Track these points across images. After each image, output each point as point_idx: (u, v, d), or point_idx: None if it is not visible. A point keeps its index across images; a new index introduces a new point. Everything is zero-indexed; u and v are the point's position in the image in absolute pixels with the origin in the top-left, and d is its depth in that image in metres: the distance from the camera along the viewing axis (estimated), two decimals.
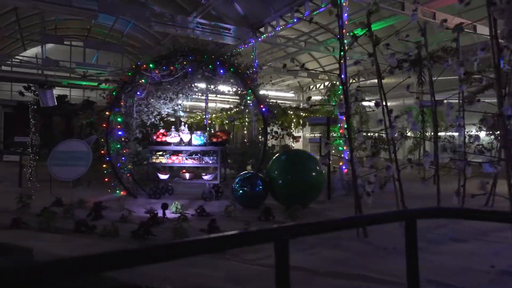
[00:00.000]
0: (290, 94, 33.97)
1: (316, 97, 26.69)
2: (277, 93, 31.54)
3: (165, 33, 23.09)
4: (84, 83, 24.95)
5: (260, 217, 6.45)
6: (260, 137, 12.03)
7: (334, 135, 18.07)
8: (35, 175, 10.90)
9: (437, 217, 1.71)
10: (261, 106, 8.43)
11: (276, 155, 8.54)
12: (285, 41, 19.43)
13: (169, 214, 6.74)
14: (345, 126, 5.85)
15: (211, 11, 17.37)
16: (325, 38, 20.83)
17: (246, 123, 23.90)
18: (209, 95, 22.03)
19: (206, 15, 17.15)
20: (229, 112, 26.29)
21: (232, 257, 4.39)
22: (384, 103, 5.34)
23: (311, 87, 31.25)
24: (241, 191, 7.59)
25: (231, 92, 14.86)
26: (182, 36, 17.15)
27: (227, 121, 25.43)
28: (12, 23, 20.80)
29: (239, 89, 9.61)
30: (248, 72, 8.47)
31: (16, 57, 24.50)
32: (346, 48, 5.43)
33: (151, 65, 8.41)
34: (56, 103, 12.67)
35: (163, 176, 8.73)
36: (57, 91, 24.30)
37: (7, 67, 26.26)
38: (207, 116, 21.91)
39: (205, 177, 8.58)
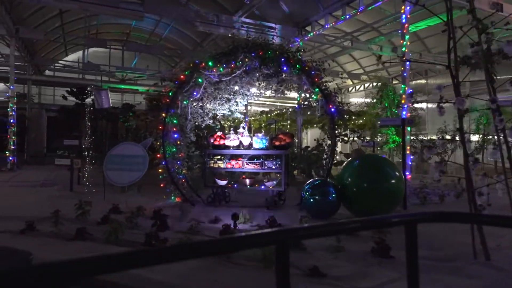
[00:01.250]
0: None
1: (359, 99, 25.64)
2: None
3: (204, 36, 22.84)
4: (123, 86, 25.08)
5: None
6: (325, 140, 11.22)
7: (386, 138, 17.11)
8: (88, 179, 10.61)
9: (438, 222, 1.61)
10: (330, 106, 7.68)
11: (348, 159, 7.75)
12: (333, 39, 18.57)
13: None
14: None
15: (254, 11, 16.84)
16: (369, 38, 19.88)
17: (289, 126, 23.17)
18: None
19: (249, 15, 16.64)
20: (269, 115, 25.68)
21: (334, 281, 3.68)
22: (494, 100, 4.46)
23: (350, 89, 30.15)
24: (311, 200, 6.86)
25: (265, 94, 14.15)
26: (224, 36, 16.74)
27: (264, 124, 24.78)
28: (56, 28, 21.11)
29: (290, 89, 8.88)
30: (318, 68, 7.75)
31: (59, 62, 24.95)
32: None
33: (210, 63, 7.86)
34: (110, 105, 12.41)
35: (221, 182, 8.14)
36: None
37: (50, 72, 26.86)
38: (246, 119, 21.34)
39: (268, 184, 7.91)
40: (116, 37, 27.60)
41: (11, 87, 16.93)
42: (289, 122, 24.04)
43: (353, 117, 16.00)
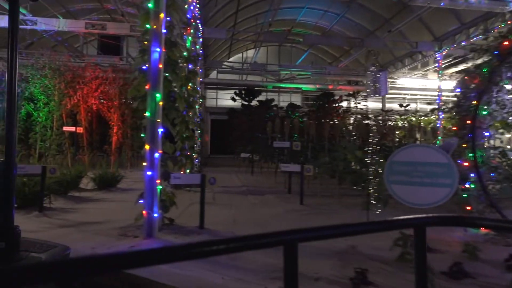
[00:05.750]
0: None
1: None
2: None
3: (379, 24, 19.90)
4: (287, 85, 23.87)
5: None
6: None
7: None
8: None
9: (447, 225, 1.63)
10: None
11: None
12: None
13: None
14: None
15: None
16: None
17: None
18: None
19: None
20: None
21: None
22: None
23: None
24: None
25: None
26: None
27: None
28: (229, 28, 20.87)
29: None
30: None
31: (225, 63, 25.11)
32: None
33: None
34: (388, 92, 10.57)
35: None
36: (262, 96, 23.86)
37: (213, 75, 27.51)
38: (441, 116, 17.55)
39: None
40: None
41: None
42: None
43: None
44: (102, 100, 15.68)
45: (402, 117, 21.59)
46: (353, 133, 11.90)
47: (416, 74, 24.34)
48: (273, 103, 22.17)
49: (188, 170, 10.03)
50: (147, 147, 4.54)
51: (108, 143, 16.02)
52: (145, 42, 4.79)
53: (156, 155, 4.56)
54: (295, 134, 14.77)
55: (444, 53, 17.97)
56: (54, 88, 14.92)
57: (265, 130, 14.61)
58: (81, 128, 15.14)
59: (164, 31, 4.72)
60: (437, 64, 18.66)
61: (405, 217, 1.69)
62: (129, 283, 2.85)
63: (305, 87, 24.41)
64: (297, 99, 27.87)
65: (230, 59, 27.26)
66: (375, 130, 11.09)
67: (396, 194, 5.76)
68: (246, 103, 22.23)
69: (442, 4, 13.28)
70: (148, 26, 4.70)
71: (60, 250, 2.67)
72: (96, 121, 16.28)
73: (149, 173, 4.52)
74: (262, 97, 23.41)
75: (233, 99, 22.26)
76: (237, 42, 22.33)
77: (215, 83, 25.99)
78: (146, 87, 4.63)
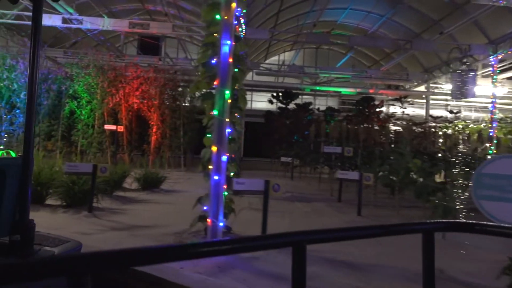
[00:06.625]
0: None
1: None
2: None
3: (428, 26, 18.92)
4: (327, 88, 23.19)
5: None
6: None
7: None
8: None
9: (456, 231, 1.62)
10: None
11: None
12: None
13: None
14: None
15: None
16: None
17: None
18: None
19: None
20: None
21: None
22: None
23: None
24: None
25: None
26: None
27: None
28: (270, 29, 20.49)
29: None
30: None
31: (262, 65, 24.74)
32: None
33: None
34: (475, 94, 9.90)
35: None
36: (297, 100, 23.29)
37: (248, 76, 27.18)
38: (494, 125, 16.38)
39: None
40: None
41: None
42: None
43: None
44: (142, 100, 15.64)
45: (451, 125, 20.41)
46: (408, 140, 11.14)
47: None
48: (310, 107, 21.56)
49: (232, 174, 9.63)
50: (214, 148, 4.14)
51: (147, 142, 15.95)
52: (215, 34, 4.40)
53: (224, 158, 4.14)
54: (332, 139, 14.14)
55: (499, 57, 16.78)
56: (97, 86, 15.00)
57: (304, 134, 14.07)
58: (122, 127, 15.13)
59: (236, 22, 4.31)
60: (491, 69, 17.47)
61: (413, 222, 1.62)
62: (150, 282, 2.90)
63: (344, 90, 23.62)
64: (333, 103, 27.11)
65: (267, 61, 26.87)
66: (432, 138, 10.30)
67: (486, 211, 5.07)
68: (283, 105, 21.73)
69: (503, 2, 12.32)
70: (217, 16, 4.31)
71: (72, 245, 2.70)
72: (135, 120, 16.26)
73: (215, 177, 4.11)
74: (297, 100, 22.85)
75: (271, 102, 21.83)
76: (276, 44, 21.89)
77: (251, 85, 25.64)
78: (215, 82, 4.23)
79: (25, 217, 2.44)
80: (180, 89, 16.75)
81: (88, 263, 0.93)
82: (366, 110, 21.34)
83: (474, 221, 1.60)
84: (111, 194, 7.91)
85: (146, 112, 15.82)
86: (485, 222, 1.69)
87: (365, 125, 17.83)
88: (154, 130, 15.67)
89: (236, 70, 4.58)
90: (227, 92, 4.20)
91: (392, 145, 12.27)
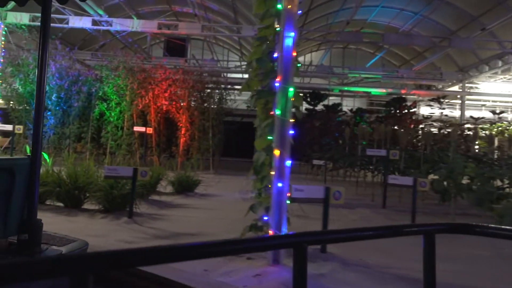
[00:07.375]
0: None
1: None
2: None
3: (463, 23, 18.02)
4: (357, 89, 22.51)
5: None
6: None
7: None
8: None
9: (457, 233, 1.60)
10: None
11: None
12: None
13: None
14: None
15: None
16: None
17: None
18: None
19: None
20: None
21: None
22: None
23: None
24: None
25: None
26: None
27: None
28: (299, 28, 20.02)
29: None
30: None
31: None
32: None
33: None
34: None
35: None
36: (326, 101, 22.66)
37: None
38: None
39: None
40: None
41: None
42: None
43: None
44: (171, 101, 15.43)
45: (493, 126, 19.37)
46: (457, 143, 10.44)
47: (501, 79, 21.89)
48: (340, 108, 20.91)
49: None
50: (276, 152, 3.71)
51: (175, 144, 15.73)
52: (276, 26, 3.98)
53: (288, 163, 3.71)
54: (364, 142, 13.54)
55: None
56: (126, 88, 14.89)
57: (335, 136, 13.49)
58: (151, 129, 14.95)
59: (300, 11, 3.88)
60: None
61: (414, 223, 1.34)
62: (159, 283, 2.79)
63: (374, 91, 22.86)
64: (361, 104, 26.35)
65: None
66: (475, 140, 9.59)
67: None
68: (311, 107, 21.18)
69: None
70: (279, 6, 3.89)
71: (80, 245, 2.75)
72: (164, 122, 16.08)
73: (279, 184, 3.68)
74: (324, 101, 22.23)
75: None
76: (303, 43, 21.38)
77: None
78: (277, 79, 3.81)
79: (33, 216, 2.47)
80: (208, 90, 16.49)
81: (95, 261, 0.93)
82: (398, 111, 20.51)
83: (475, 223, 1.59)
84: (147, 198, 7.63)
85: (174, 113, 15.60)
86: (486, 224, 1.66)
87: (398, 127, 17.10)
88: (183, 132, 15.43)
89: (299, 65, 4.14)
90: (291, 89, 3.77)
91: (435, 149, 11.56)
